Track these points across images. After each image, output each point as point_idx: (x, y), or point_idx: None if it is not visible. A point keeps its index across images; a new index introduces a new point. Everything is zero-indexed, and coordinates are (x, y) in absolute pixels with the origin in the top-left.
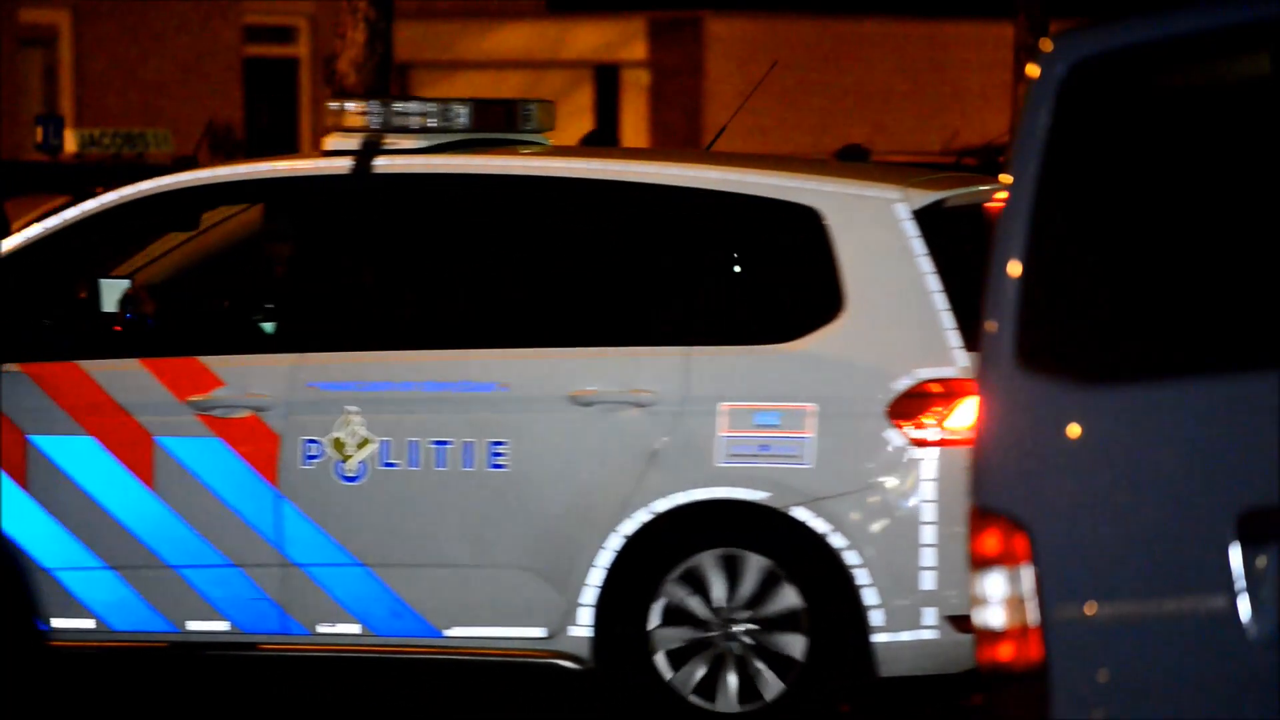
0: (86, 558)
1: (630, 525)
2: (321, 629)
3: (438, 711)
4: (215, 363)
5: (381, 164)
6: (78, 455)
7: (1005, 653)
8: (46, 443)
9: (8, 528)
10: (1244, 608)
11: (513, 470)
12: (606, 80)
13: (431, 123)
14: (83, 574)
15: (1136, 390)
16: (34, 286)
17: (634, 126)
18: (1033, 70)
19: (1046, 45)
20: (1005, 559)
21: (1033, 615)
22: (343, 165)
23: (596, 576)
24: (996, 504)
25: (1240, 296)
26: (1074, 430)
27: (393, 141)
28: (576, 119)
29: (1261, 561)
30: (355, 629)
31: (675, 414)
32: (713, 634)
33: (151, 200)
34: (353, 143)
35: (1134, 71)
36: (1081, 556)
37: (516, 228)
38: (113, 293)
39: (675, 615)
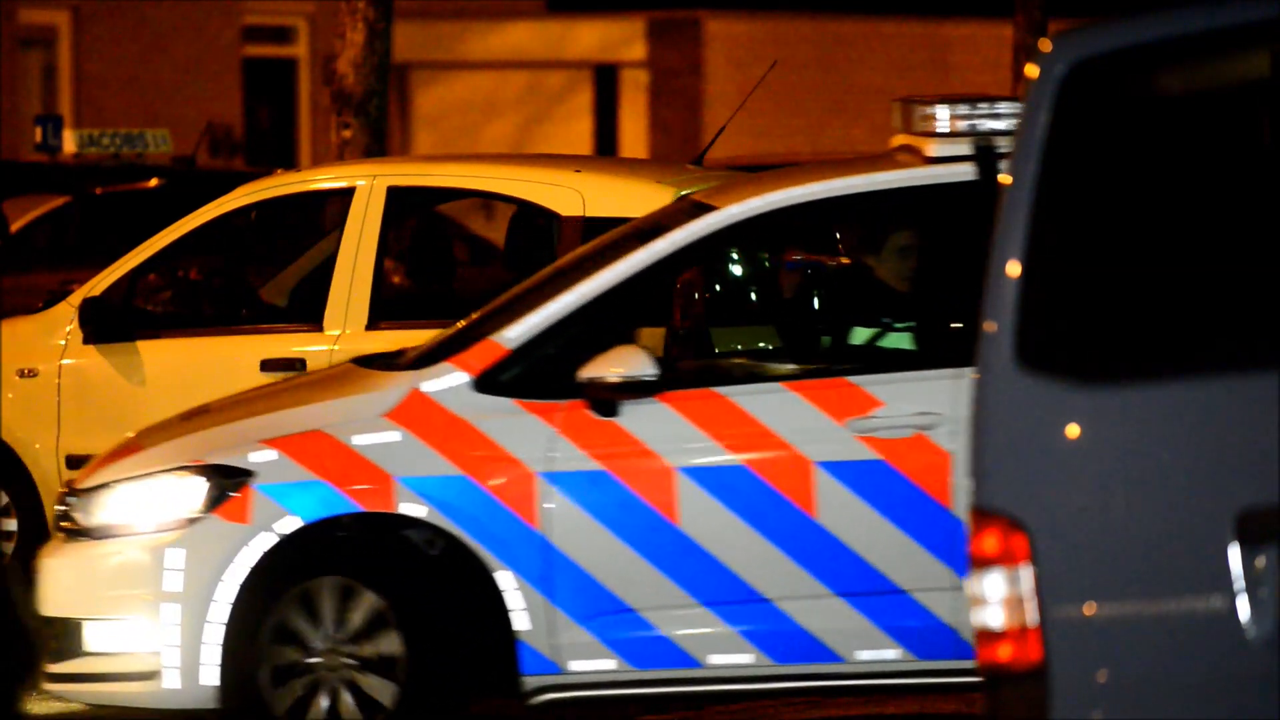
0: (743, 591)
1: None
2: None
3: None
4: (867, 382)
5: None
6: (730, 484)
7: (1004, 653)
8: (697, 474)
9: (656, 563)
10: (1243, 608)
11: None
12: (606, 80)
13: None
14: (739, 608)
15: (1136, 390)
16: (641, 314)
17: (634, 126)
18: (1032, 70)
19: (1045, 45)
20: (1004, 559)
21: (1032, 615)
22: (965, 172)
23: None
24: (996, 504)
25: (1240, 296)
26: (1073, 430)
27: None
28: (576, 119)
29: (1260, 561)
30: None
31: None
32: None
33: (763, 219)
34: (960, 148)
35: (1133, 71)
36: (1081, 556)
37: None
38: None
39: None
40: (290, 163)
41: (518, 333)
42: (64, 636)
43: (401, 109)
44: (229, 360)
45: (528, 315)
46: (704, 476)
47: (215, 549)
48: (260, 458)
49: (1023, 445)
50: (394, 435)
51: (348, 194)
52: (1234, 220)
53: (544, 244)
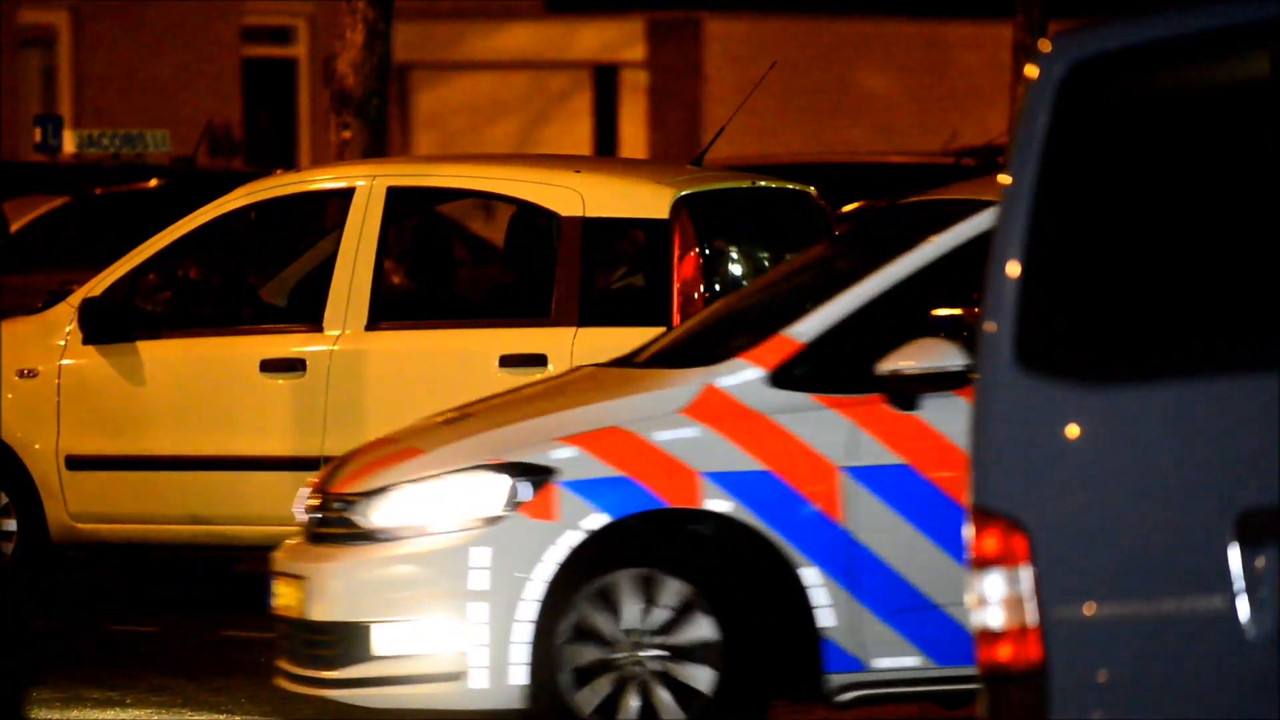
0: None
1: None
2: None
3: None
4: None
5: None
6: None
7: (1004, 653)
8: None
9: (960, 558)
10: (1243, 608)
11: None
12: (605, 80)
13: None
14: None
15: (1136, 390)
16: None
17: (633, 127)
18: (1031, 71)
19: (1045, 46)
20: (1004, 559)
21: (1032, 615)
22: None
23: None
24: (996, 504)
25: (1239, 296)
26: (1073, 430)
27: None
28: (576, 119)
29: (1260, 561)
30: None
31: None
32: None
33: None
34: None
35: (1133, 71)
36: (1080, 557)
37: None
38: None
39: None
40: (290, 163)
41: (810, 327)
42: (344, 641)
43: (401, 109)
44: (228, 360)
45: (819, 309)
46: None
47: (523, 547)
48: (562, 455)
49: (1023, 445)
50: (693, 431)
51: (347, 194)
52: (1233, 220)
53: (544, 244)
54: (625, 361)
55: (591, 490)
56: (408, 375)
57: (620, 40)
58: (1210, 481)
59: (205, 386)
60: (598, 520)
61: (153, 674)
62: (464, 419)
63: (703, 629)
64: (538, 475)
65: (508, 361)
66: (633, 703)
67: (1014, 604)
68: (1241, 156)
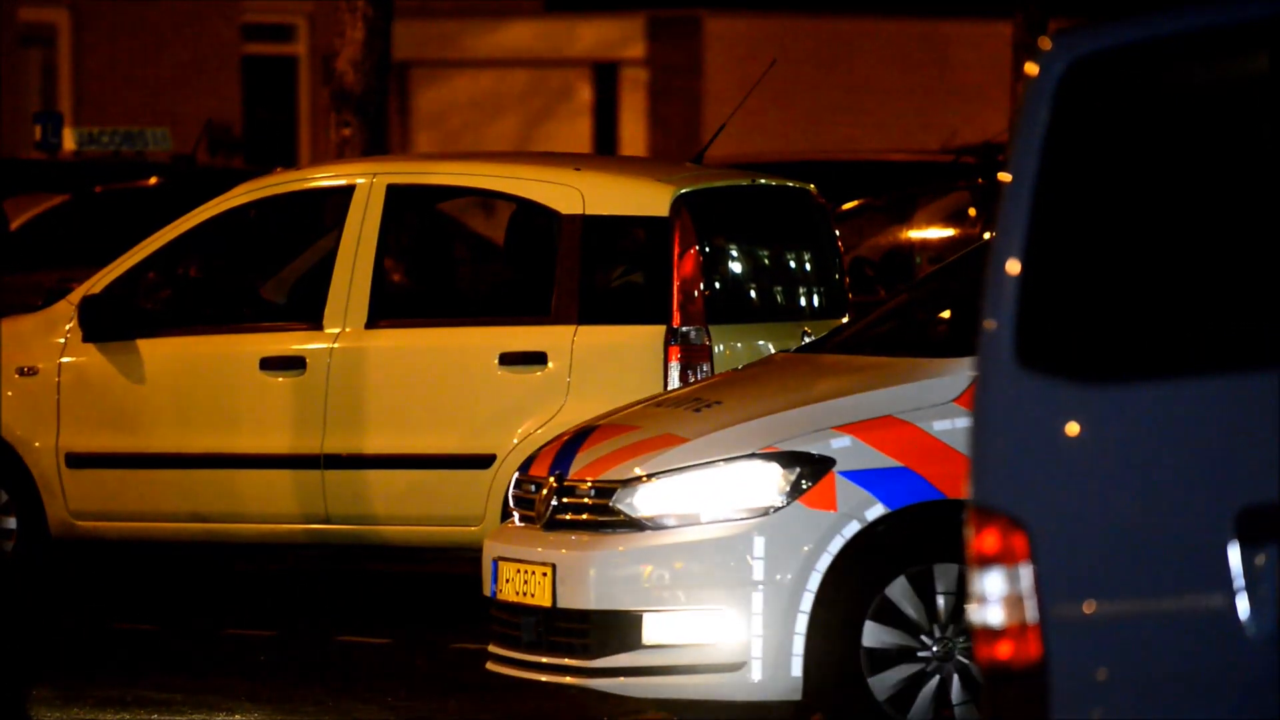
0: None
1: None
2: None
3: None
4: None
5: None
6: None
7: (1004, 651)
8: None
9: None
10: (1242, 606)
11: None
12: (605, 78)
13: None
14: None
15: (1136, 389)
16: None
17: (633, 124)
18: (1031, 69)
19: (1045, 44)
20: (1004, 557)
21: (1031, 614)
22: None
23: None
24: (995, 503)
25: (1240, 295)
26: (1073, 429)
27: None
28: (576, 117)
29: (1260, 560)
30: None
31: None
32: None
33: None
34: None
35: (1133, 70)
36: (1080, 555)
37: None
38: None
39: None
40: (290, 161)
41: None
42: (606, 629)
43: (401, 107)
44: (228, 358)
45: None
46: None
47: (804, 537)
48: (839, 444)
49: (1023, 443)
50: (968, 421)
51: (347, 192)
52: (1234, 219)
53: (544, 242)
54: (814, 346)
55: (871, 480)
56: (408, 373)
57: (620, 38)
58: (1210, 479)
59: (205, 384)
60: (876, 511)
61: (153, 674)
62: (710, 406)
63: None
64: (817, 465)
65: (508, 359)
66: (930, 695)
67: (1014, 602)
68: (1242, 155)
